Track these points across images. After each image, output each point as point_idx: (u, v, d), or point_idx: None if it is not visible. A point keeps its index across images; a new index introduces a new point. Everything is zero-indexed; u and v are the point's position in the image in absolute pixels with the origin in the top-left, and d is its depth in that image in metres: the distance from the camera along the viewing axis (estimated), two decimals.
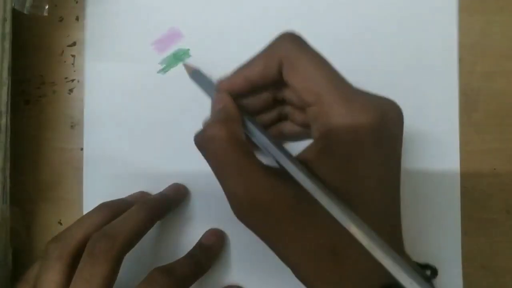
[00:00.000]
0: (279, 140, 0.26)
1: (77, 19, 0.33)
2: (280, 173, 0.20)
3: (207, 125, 0.22)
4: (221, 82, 0.24)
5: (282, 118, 0.26)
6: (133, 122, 0.32)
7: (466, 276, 0.31)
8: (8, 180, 0.30)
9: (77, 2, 0.33)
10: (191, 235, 0.31)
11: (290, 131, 0.26)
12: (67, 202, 0.32)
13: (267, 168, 0.20)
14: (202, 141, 0.21)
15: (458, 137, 0.32)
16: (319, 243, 0.19)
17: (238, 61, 0.32)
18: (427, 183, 0.31)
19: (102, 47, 0.33)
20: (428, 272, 0.21)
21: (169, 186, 0.31)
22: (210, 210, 0.32)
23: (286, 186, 0.20)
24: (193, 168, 0.32)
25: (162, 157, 0.32)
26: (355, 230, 0.18)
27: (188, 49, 0.32)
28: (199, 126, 0.31)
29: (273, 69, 0.22)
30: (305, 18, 0.32)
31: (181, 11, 0.33)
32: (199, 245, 0.30)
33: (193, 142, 0.32)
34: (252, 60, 0.23)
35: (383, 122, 0.20)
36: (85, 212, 0.32)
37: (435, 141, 0.32)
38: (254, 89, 0.23)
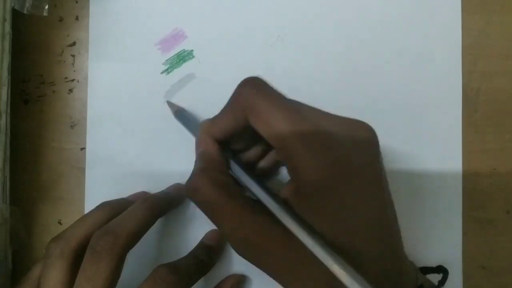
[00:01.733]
0: (270, 172, 0.27)
1: (77, 19, 0.33)
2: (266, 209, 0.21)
3: (191, 176, 0.23)
4: (202, 125, 0.25)
5: (268, 150, 0.26)
6: (136, 122, 0.32)
7: (466, 276, 0.31)
8: (8, 180, 0.30)
9: (77, 2, 0.33)
10: (192, 234, 0.31)
11: (278, 163, 0.27)
12: (67, 202, 0.32)
13: (254, 206, 0.21)
14: (189, 192, 0.23)
15: (461, 137, 0.32)
16: (315, 277, 0.20)
17: (241, 62, 0.32)
18: (428, 183, 0.31)
19: (105, 46, 0.33)
20: (439, 277, 0.22)
21: (171, 185, 0.31)
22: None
23: (275, 224, 0.20)
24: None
25: (163, 157, 0.32)
26: (336, 269, 0.18)
27: (192, 50, 0.32)
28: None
29: (241, 119, 0.22)
30: (307, 20, 0.32)
31: (186, 12, 0.33)
32: (201, 245, 0.30)
33: (195, 143, 0.32)
34: (222, 112, 0.24)
35: (348, 155, 0.20)
36: (86, 211, 0.32)
37: (436, 141, 0.32)
38: (232, 136, 0.24)
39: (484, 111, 0.32)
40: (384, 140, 0.32)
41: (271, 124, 0.21)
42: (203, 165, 0.23)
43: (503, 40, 0.32)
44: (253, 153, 0.26)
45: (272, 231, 0.20)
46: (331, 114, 0.22)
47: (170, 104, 0.31)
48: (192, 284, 0.26)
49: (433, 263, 0.31)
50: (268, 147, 0.26)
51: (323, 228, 0.19)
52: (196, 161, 0.24)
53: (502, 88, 0.32)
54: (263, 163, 0.27)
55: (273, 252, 0.20)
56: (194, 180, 0.22)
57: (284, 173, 0.30)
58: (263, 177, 0.27)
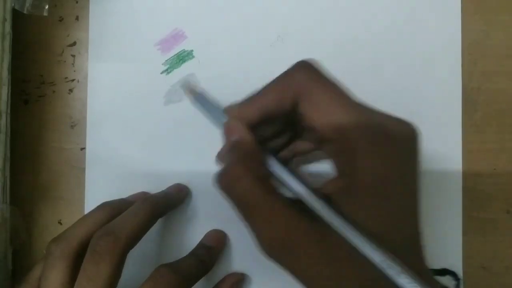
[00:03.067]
0: (293, 159, 0.26)
1: (77, 19, 0.33)
2: (304, 207, 0.20)
3: (227, 167, 0.21)
4: (232, 109, 0.23)
5: (293, 137, 0.25)
6: (136, 123, 0.32)
7: (466, 276, 0.31)
8: (8, 180, 0.30)
9: (77, 2, 0.33)
10: (193, 234, 0.31)
11: (303, 150, 0.25)
12: (67, 201, 0.32)
13: (292, 205, 0.20)
14: (226, 184, 0.21)
15: (461, 137, 0.32)
16: (349, 277, 0.19)
17: (241, 62, 0.32)
18: (428, 183, 0.31)
19: (105, 47, 0.33)
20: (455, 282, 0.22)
21: (171, 186, 0.31)
22: (211, 210, 0.32)
23: (314, 223, 0.19)
24: (195, 168, 0.32)
25: (163, 157, 0.32)
26: (379, 261, 0.18)
27: (192, 50, 0.32)
28: (200, 127, 0.31)
29: (288, 101, 0.21)
30: (306, 19, 0.32)
31: (185, 12, 0.33)
32: (201, 245, 0.30)
33: (195, 143, 0.32)
34: (265, 90, 0.22)
35: (408, 156, 0.20)
36: (86, 211, 0.32)
37: (437, 141, 0.32)
38: (267, 120, 0.22)
39: (484, 111, 0.32)
40: None
41: (329, 112, 0.20)
42: (243, 156, 0.21)
43: (503, 40, 0.32)
44: (278, 142, 0.25)
45: (311, 231, 0.19)
46: (382, 111, 0.21)
47: (188, 86, 0.26)
48: (193, 284, 0.26)
49: (434, 264, 0.31)
50: (294, 138, 0.25)
51: (368, 225, 0.19)
52: (230, 151, 0.22)
53: (502, 88, 0.32)
54: (286, 153, 0.25)
55: (310, 252, 0.19)
56: (232, 172, 0.21)
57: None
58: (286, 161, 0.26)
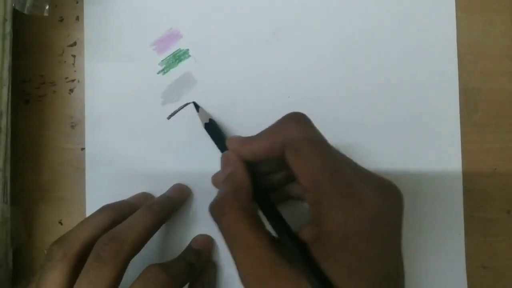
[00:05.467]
0: (289, 199, 0.28)
1: (77, 19, 0.33)
2: (285, 246, 0.22)
3: (219, 197, 0.23)
4: (233, 142, 0.26)
5: (289, 179, 0.27)
6: (134, 123, 0.32)
7: (466, 275, 0.31)
8: (8, 180, 0.30)
9: (77, 2, 0.33)
10: (193, 234, 0.31)
11: (296, 194, 0.27)
12: (67, 202, 0.32)
13: (274, 242, 0.21)
14: (215, 215, 0.23)
15: (460, 137, 0.32)
16: None
17: (237, 59, 0.32)
18: (428, 183, 0.31)
19: (101, 47, 0.33)
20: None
21: (172, 187, 0.31)
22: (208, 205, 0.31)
23: (290, 264, 0.20)
24: (195, 168, 0.32)
25: (163, 157, 0.32)
26: None
27: (188, 49, 0.32)
28: (200, 126, 0.31)
29: (277, 149, 0.23)
30: (304, 19, 0.32)
31: (180, 11, 0.33)
32: (190, 248, 0.30)
33: (195, 144, 0.32)
34: (259, 136, 0.24)
35: (377, 215, 0.20)
36: (87, 212, 0.32)
37: (436, 141, 0.32)
38: (260, 161, 0.24)
39: (484, 111, 0.32)
40: (384, 141, 0.32)
41: (308, 164, 0.21)
42: (232, 188, 0.24)
43: (503, 40, 0.32)
44: (275, 178, 0.27)
45: (284, 270, 0.20)
46: (365, 170, 0.23)
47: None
48: (182, 286, 0.26)
49: (435, 264, 0.31)
50: (289, 177, 0.27)
51: (336, 277, 0.20)
52: (224, 181, 0.25)
53: (502, 88, 0.32)
54: (283, 192, 0.27)
55: None
56: (222, 203, 0.23)
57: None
58: (279, 202, 0.28)
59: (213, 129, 0.30)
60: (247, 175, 0.24)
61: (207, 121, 0.30)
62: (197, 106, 0.31)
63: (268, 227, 0.23)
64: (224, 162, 0.26)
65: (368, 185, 0.21)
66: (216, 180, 0.29)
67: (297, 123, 0.23)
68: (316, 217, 0.21)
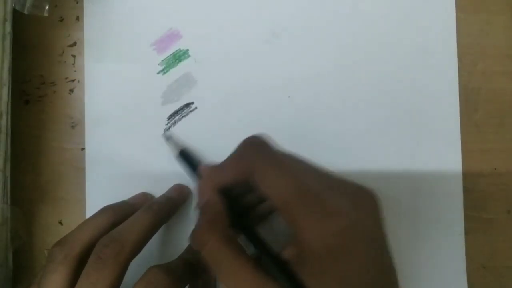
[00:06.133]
0: (272, 213, 0.28)
1: (77, 19, 0.33)
2: (269, 267, 0.21)
3: (198, 227, 0.23)
4: (205, 171, 0.26)
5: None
6: (134, 123, 0.32)
7: (466, 275, 0.31)
8: (8, 180, 0.30)
9: (77, 2, 0.33)
10: None
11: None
12: (67, 202, 0.32)
13: (257, 263, 0.21)
14: (196, 244, 0.23)
15: (460, 137, 0.32)
16: None
17: (237, 59, 0.32)
18: (428, 183, 0.31)
19: (101, 47, 0.33)
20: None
21: (172, 188, 0.31)
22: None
23: (276, 285, 0.20)
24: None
25: (163, 157, 0.32)
26: None
27: (187, 49, 0.32)
28: (199, 126, 0.31)
29: (244, 175, 0.23)
30: (303, 19, 0.32)
31: (180, 11, 0.33)
32: (190, 249, 0.30)
33: (194, 144, 0.32)
34: (225, 165, 0.24)
35: (352, 225, 0.20)
36: (87, 212, 0.32)
37: (436, 141, 0.32)
38: (231, 188, 0.25)
39: (484, 111, 0.32)
40: (384, 140, 0.32)
41: (274, 188, 0.21)
42: (209, 217, 0.24)
43: (503, 40, 0.32)
44: (252, 198, 0.27)
45: None
46: (335, 178, 0.22)
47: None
48: (184, 287, 0.26)
49: (435, 264, 0.31)
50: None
51: None
52: (199, 212, 0.25)
53: (502, 88, 0.32)
54: (260, 209, 0.27)
55: None
56: (201, 234, 0.23)
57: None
58: (261, 219, 0.28)
59: (186, 158, 0.30)
60: (221, 202, 0.24)
61: (178, 151, 0.30)
62: (167, 137, 0.31)
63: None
64: (198, 192, 0.26)
65: (339, 195, 0.21)
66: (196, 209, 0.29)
67: (254, 150, 0.23)
68: (294, 236, 0.21)
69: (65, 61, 0.33)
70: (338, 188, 0.22)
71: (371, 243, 0.21)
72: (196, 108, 0.32)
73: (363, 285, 0.20)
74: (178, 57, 0.32)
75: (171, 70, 0.32)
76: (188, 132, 0.32)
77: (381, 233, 0.21)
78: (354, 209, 0.21)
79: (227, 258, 0.21)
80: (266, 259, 0.22)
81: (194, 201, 0.32)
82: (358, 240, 0.20)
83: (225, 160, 0.24)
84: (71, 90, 0.33)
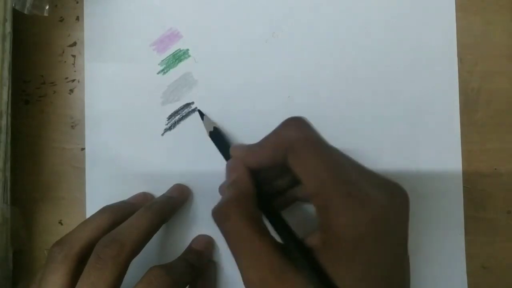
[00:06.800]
0: (295, 201, 0.28)
1: (77, 19, 0.33)
2: (291, 252, 0.21)
3: (222, 202, 0.23)
4: (237, 150, 0.26)
5: (296, 182, 0.26)
6: (134, 123, 0.32)
7: (466, 275, 0.31)
8: (8, 180, 0.30)
9: (77, 2, 0.33)
10: (193, 235, 0.31)
11: (303, 196, 0.27)
12: (67, 202, 0.32)
13: (279, 248, 0.21)
14: (219, 219, 0.23)
15: (460, 137, 0.32)
16: None
17: (237, 59, 0.32)
18: (428, 183, 0.31)
19: (101, 47, 0.33)
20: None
21: (172, 187, 0.31)
22: (211, 209, 0.32)
23: (296, 269, 0.20)
24: (195, 168, 0.32)
25: (163, 157, 0.32)
26: None
27: (188, 49, 0.32)
28: (198, 126, 0.31)
29: (280, 156, 0.23)
30: (303, 19, 0.32)
31: (180, 11, 0.33)
32: (191, 249, 0.30)
33: (195, 144, 0.32)
34: (261, 144, 0.24)
35: (384, 216, 0.20)
36: (87, 212, 0.32)
37: (436, 141, 0.32)
38: (265, 168, 0.25)
39: (484, 111, 0.32)
40: (384, 140, 0.32)
41: (311, 169, 0.21)
42: (236, 193, 0.23)
43: (503, 40, 0.32)
44: (281, 183, 0.27)
45: (290, 276, 0.20)
46: (369, 171, 0.22)
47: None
48: (184, 287, 0.26)
49: (435, 264, 0.31)
50: (294, 183, 0.27)
51: (345, 281, 0.19)
52: (228, 187, 0.24)
53: (502, 88, 0.32)
54: (287, 196, 0.27)
55: None
56: (225, 208, 0.22)
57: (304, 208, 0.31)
58: (284, 206, 0.28)
59: (218, 137, 0.30)
60: (251, 181, 0.24)
61: (212, 129, 0.30)
62: (201, 114, 0.31)
63: (274, 234, 0.23)
64: (229, 169, 0.26)
65: (374, 186, 0.21)
66: (222, 189, 0.29)
67: (296, 128, 0.23)
68: (323, 220, 0.21)
69: (65, 61, 0.33)
70: (373, 179, 0.22)
71: (398, 237, 0.21)
72: (196, 108, 0.32)
73: (384, 277, 0.20)
74: (178, 57, 0.32)
75: (171, 70, 0.32)
76: (188, 132, 0.32)
77: (407, 230, 0.21)
78: (389, 202, 0.21)
79: (248, 237, 0.21)
80: (289, 244, 0.22)
81: (194, 202, 0.32)
82: (387, 232, 0.20)
83: (262, 139, 0.24)
84: (71, 90, 0.33)
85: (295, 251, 0.21)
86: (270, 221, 0.24)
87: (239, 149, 0.26)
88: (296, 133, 0.23)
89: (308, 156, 0.21)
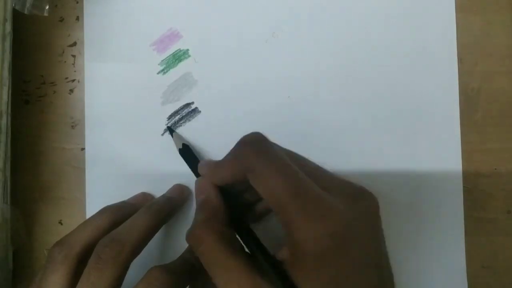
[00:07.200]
0: (269, 213, 0.28)
1: (77, 19, 0.33)
2: (263, 268, 0.21)
3: (194, 225, 0.23)
4: (202, 168, 0.26)
5: None
6: (134, 123, 0.32)
7: (466, 275, 0.31)
8: (8, 180, 0.30)
9: (77, 2, 0.33)
10: None
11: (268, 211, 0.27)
12: (67, 202, 0.32)
13: (253, 265, 0.21)
14: (192, 243, 0.23)
15: (460, 137, 0.32)
16: None
17: (237, 59, 0.32)
18: (428, 183, 0.31)
19: (101, 47, 0.33)
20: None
21: (172, 188, 0.31)
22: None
23: (271, 285, 0.20)
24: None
25: (163, 157, 0.32)
26: None
27: (188, 49, 0.32)
28: (198, 127, 0.31)
29: (240, 175, 0.23)
30: (303, 19, 0.32)
31: (180, 11, 0.33)
32: (190, 250, 0.30)
33: (194, 143, 0.32)
34: (223, 162, 0.24)
35: (347, 227, 0.20)
36: (87, 212, 0.32)
37: (436, 141, 0.32)
38: (232, 184, 0.24)
39: (484, 111, 0.32)
40: (384, 140, 0.32)
41: (270, 189, 0.21)
42: (206, 215, 0.24)
43: (503, 40, 0.32)
44: (250, 196, 0.27)
45: None
46: (334, 178, 0.22)
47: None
48: (184, 287, 0.26)
49: (435, 264, 0.31)
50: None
51: None
52: (197, 209, 0.25)
53: (502, 88, 0.32)
54: (259, 207, 0.27)
55: None
56: (197, 231, 0.23)
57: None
58: (259, 218, 0.28)
59: (187, 154, 0.30)
60: (220, 200, 0.24)
61: (181, 146, 0.30)
62: (171, 130, 0.31)
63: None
64: (197, 188, 0.26)
65: (336, 195, 0.21)
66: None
67: (252, 148, 0.22)
68: (288, 237, 0.21)
69: (65, 61, 0.33)
70: (336, 188, 0.22)
71: (366, 245, 0.21)
72: (196, 108, 0.32)
73: (356, 286, 0.20)
74: (178, 57, 0.32)
75: (171, 70, 0.32)
76: (188, 132, 0.32)
77: (378, 235, 0.21)
78: (351, 210, 0.20)
79: (220, 257, 0.21)
80: (260, 259, 0.22)
81: (194, 202, 0.32)
82: (353, 241, 0.20)
83: (224, 158, 0.24)
84: (71, 90, 0.33)
85: (266, 267, 0.21)
86: (241, 238, 0.24)
87: (205, 167, 0.26)
88: (253, 151, 0.22)
89: (265, 175, 0.21)
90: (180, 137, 0.31)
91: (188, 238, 0.23)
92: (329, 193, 0.21)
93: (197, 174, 0.28)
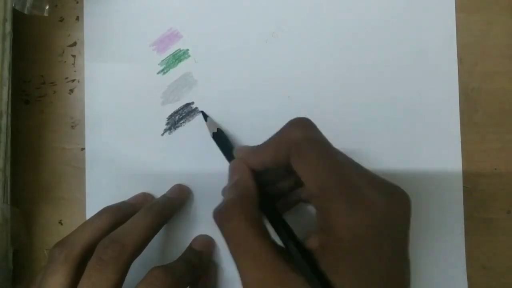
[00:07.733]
0: (299, 203, 0.28)
1: (77, 19, 0.33)
2: (291, 256, 0.21)
3: (224, 203, 0.23)
4: (240, 152, 0.26)
5: (298, 184, 0.27)
6: (134, 123, 0.32)
7: (466, 275, 0.31)
8: (8, 180, 0.30)
9: (77, 2, 0.33)
10: (193, 235, 0.31)
11: (306, 197, 0.27)
12: (67, 202, 0.32)
13: (279, 250, 0.21)
14: (219, 220, 0.22)
15: (460, 137, 0.32)
16: None
17: (237, 59, 0.32)
18: (428, 183, 0.31)
19: (101, 47, 0.33)
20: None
21: (172, 188, 0.31)
22: (212, 210, 0.32)
23: (296, 272, 0.20)
24: (195, 168, 0.32)
25: (163, 157, 0.32)
26: None
27: (188, 49, 0.32)
28: (198, 127, 0.31)
29: (283, 156, 0.23)
30: (303, 19, 0.32)
31: (180, 11, 0.33)
32: (191, 249, 0.30)
33: (194, 143, 0.32)
34: (265, 145, 0.24)
35: (384, 219, 0.20)
36: (87, 212, 0.32)
37: (436, 141, 0.32)
38: (268, 170, 0.25)
39: (484, 111, 0.32)
40: (384, 140, 0.32)
41: (313, 170, 0.21)
42: (238, 194, 0.23)
43: (503, 40, 0.32)
44: (283, 185, 0.27)
45: (290, 278, 0.20)
46: (371, 173, 0.22)
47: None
48: (185, 287, 0.26)
49: (435, 264, 0.31)
50: (297, 185, 0.27)
51: (344, 284, 0.19)
52: (230, 188, 0.25)
53: (502, 88, 0.32)
54: (292, 197, 0.27)
55: None
56: (227, 209, 0.22)
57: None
58: (287, 208, 0.28)
59: (220, 138, 0.30)
60: (253, 182, 0.24)
61: (215, 130, 0.30)
62: (205, 115, 0.31)
63: (275, 236, 0.23)
64: (232, 170, 0.26)
65: (376, 189, 0.21)
66: (224, 191, 0.29)
67: (300, 129, 0.23)
68: (323, 223, 0.21)
69: (65, 61, 0.33)
70: (375, 182, 0.22)
71: (398, 240, 0.21)
72: (196, 108, 0.32)
73: (383, 280, 0.20)
74: (178, 57, 0.32)
75: (171, 70, 0.32)
76: (188, 132, 0.32)
77: (407, 233, 0.21)
78: (390, 205, 0.21)
79: (249, 239, 0.21)
80: (290, 247, 0.22)
81: (194, 202, 0.32)
82: (387, 235, 0.20)
83: (265, 141, 0.24)
84: (71, 90, 0.33)
85: (295, 253, 0.21)
86: (271, 223, 0.24)
87: (242, 150, 0.26)
88: (300, 133, 0.22)
89: (311, 156, 0.21)
90: (213, 122, 0.31)
91: (215, 215, 0.23)
92: (370, 186, 0.21)
93: (229, 158, 0.28)
